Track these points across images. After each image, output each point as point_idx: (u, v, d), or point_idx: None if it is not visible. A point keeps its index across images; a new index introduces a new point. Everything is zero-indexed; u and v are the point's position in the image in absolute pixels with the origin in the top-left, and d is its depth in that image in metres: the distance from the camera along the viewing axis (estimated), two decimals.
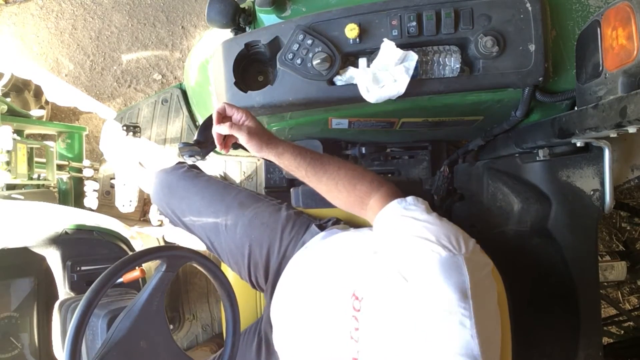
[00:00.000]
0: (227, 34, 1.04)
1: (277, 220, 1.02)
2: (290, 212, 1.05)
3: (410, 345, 0.58)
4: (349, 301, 0.70)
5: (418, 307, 0.59)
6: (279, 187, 1.56)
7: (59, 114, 2.00)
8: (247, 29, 1.02)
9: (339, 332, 0.70)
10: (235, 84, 0.96)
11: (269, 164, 1.56)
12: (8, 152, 1.31)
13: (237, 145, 0.89)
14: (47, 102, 1.88)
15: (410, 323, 0.59)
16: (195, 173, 1.17)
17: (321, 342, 0.76)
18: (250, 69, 1.02)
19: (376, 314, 0.65)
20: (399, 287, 0.63)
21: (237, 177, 1.62)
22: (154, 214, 1.58)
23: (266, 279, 1.03)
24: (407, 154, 1.51)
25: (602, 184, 0.97)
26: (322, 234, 0.98)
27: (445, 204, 1.51)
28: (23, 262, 1.30)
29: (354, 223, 1.07)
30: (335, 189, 0.84)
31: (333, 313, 0.74)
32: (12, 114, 1.51)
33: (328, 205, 0.89)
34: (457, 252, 0.61)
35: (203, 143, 0.93)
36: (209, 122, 0.88)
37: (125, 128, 1.47)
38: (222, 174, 1.61)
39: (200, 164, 1.17)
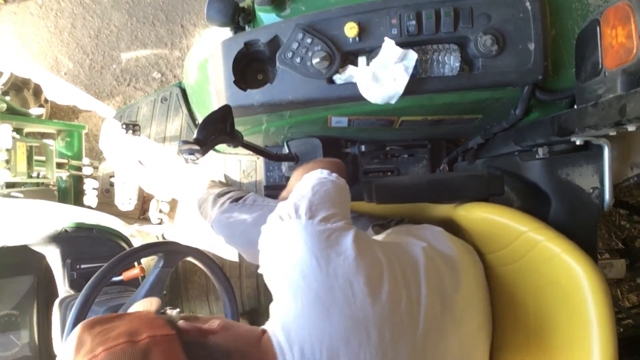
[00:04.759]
0: (227, 32, 1.04)
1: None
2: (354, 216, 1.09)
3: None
4: None
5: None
6: (279, 185, 1.55)
7: (58, 112, 2.00)
8: (246, 27, 1.02)
9: None
10: (235, 82, 0.96)
11: (268, 163, 1.56)
12: (7, 150, 1.31)
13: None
14: (46, 101, 1.88)
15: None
16: (241, 202, 1.20)
17: None
18: (249, 67, 1.02)
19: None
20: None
21: (236, 176, 1.62)
22: (153, 212, 1.58)
23: None
24: (406, 152, 1.51)
25: (602, 181, 0.97)
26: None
27: None
28: (23, 260, 1.30)
29: (421, 216, 1.08)
30: None
31: None
32: (11, 113, 1.51)
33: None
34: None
35: (202, 141, 0.93)
36: (208, 120, 0.88)
37: (124, 126, 1.47)
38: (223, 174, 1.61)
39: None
